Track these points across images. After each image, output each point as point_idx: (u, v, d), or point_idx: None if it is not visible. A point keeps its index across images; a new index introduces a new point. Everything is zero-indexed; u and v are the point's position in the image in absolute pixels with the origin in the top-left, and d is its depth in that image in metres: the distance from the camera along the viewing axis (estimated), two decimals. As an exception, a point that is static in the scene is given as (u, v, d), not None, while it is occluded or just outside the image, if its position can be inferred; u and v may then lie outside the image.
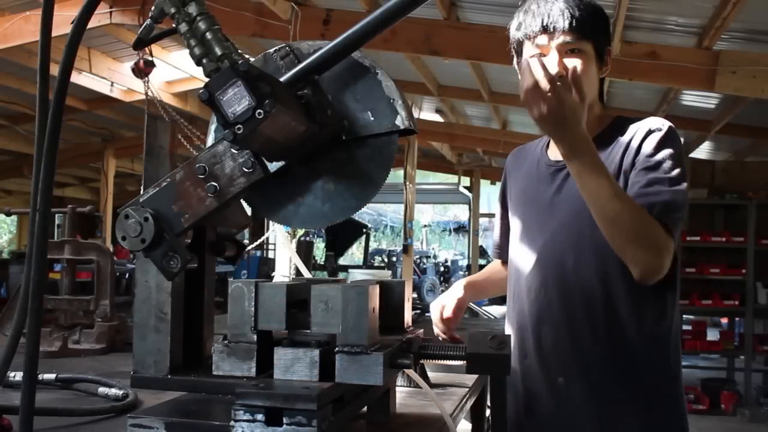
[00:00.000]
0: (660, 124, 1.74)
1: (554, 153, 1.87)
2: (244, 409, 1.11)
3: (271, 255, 12.73)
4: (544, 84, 1.51)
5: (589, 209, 1.62)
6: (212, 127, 1.42)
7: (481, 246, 15.20)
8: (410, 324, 1.53)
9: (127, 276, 9.20)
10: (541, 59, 1.58)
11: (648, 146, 1.70)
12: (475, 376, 2.03)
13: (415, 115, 7.95)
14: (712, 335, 8.78)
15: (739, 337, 8.36)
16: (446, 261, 19.19)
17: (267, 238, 10.87)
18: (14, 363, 1.19)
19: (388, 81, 1.33)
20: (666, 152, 1.68)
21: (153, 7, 1.29)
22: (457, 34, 5.73)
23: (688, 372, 9.13)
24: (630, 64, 5.44)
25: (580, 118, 1.56)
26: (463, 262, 17.94)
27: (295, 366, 1.20)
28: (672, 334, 1.77)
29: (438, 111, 9.99)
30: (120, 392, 1.70)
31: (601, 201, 1.59)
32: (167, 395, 1.40)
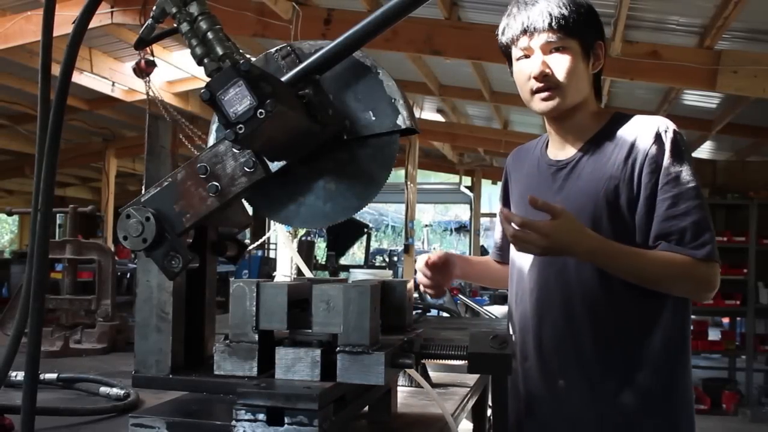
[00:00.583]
0: (665, 125, 1.73)
1: (554, 152, 1.88)
2: (246, 408, 1.11)
3: (272, 255, 12.73)
4: (516, 234, 1.61)
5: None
6: (214, 126, 1.42)
7: (482, 246, 15.18)
8: (411, 324, 1.53)
9: (128, 276, 9.19)
10: (505, 211, 1.69)
11: (662, 155, 1.70)
12: (477, 376, 2.03)
13: (417, 114, 7.96)
14: (714, 335, 8.77)
15: (740, 336, 8.34)
16: (447, 261, 19.12)
17: (268, 238, 10.87)
18: (16, 362, 1.20)
19: (389, 81, 1.33)
20: (681, 160, 1.70)
21: (154, 7, 1.29)
22: (458, 33, 5.73)
23: (689, 372, 9.11)
24: (631, 64, 5.44)
25: (569, 228, 1.61)
26: (464, 262, 17.89)
27: (296, 366, 1.20)
28: (676, 337, 1.76)
29: (439, 111, 9.99)
30: (121, 392, 1.70)
31: (637, 273, 1.68)
32: (169, 395, 1.40)
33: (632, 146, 1.72)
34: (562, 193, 1.79)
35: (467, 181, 15.15)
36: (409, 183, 10.09)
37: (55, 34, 1.21)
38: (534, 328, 1.81)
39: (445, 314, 4.11)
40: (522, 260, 1.88)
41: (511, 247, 1.97)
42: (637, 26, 5.34)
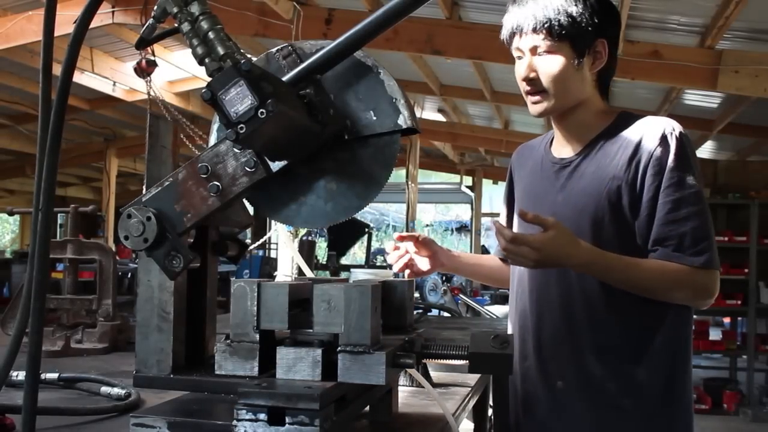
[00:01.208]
0: (671, 126, 1.71)
1: (558, 150, 1.86)
2: (247, 408, 1.11)
3: (273, 254, 12.72)
4: (508, 248, 1.60)
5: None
6: (215, 126, 1.42)
7: (483, 245, 15.17)
8: (412, 323, 1.53)
9: (129, 275, 9.19)
10: (498, 224, 1.68)
11: (666, 156, 1.67)
12: (478, 376, 2.03)
13: (418, 114, 7.96)
14: (715, 335, 8.77)
15: (741, 336, 8.34)
16: (448, 260, 19.13)
17: (269, 238, 10.86)
18: (17, 362, 1.20)
19: (390, 80, 1.33)
20: (686, 164, 1.68)
21: (155, 7, 1.29)
22: (459, 33, 5.72)
23: (690, 372, 9.11)
24: (632, 64, 5.42)
25: (561, 242, 1.60)
26: (465, 262, 17.90)
27: (297, 365, 1.20)
28: (676, 339, 1.75)
29: (440, 110, 9.98)
30: (122, 392, 1.70)
31: (632, 283, 1.67)
32: (170, 395, 1.40)
33: (637, 147, 1.70)
34: (564, 192, 1.78)
35: (468, 181, 15.14)
36: (410, 183, 10.08)
37: (56, 33, 1.21)
38: (533, 328, 1.81)
39: (446, 314, 4.12)
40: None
41: None
42: (638, 26, 5.33)
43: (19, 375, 1.70)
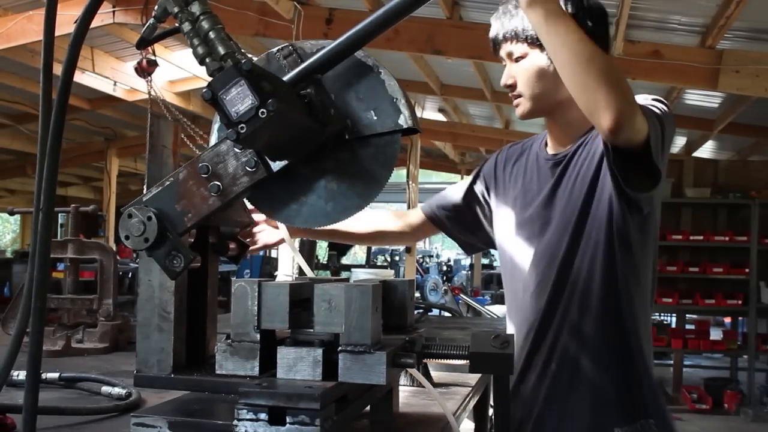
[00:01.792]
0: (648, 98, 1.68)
1: (552, 147, 1.89)
2: (247, 408, 1.11)
3: (273, 254, 12.74)
4: None
5: (555, 58, 1.53)
6: (215, 126, 1.42)
7: (484, 245, 15.17)
8: (413, 323, 1.53)
9: (130, 275, 9.20)
10: None
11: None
12: (478, 376, 2.03)
13: (418, 114, 7.95)
14: (716, 335, 8.77)
15: (742, 336, 8.35)
16: (449, 260, 19.15)
17: (270, 238, 10.86)
18: (18, 362, 1.20)
19: (391, 80, 1.33)
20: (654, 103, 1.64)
21: (156, 7, 1.29)
22: (460, 33, 5.73)
23: (691, 371, 9.14)
24: (633, 64, 5.43)
25: None
26: (466, 261, 17.90)
27: (298, 365, 1.20)
28: (637, 332, 1.75)
29: (441, 110, 9.98)
30: (123, 391, 1.70)
31: (571, 43, 1.49)
32: (170, 394, 1.40)
33: None
34: (560, 187, 1.81)
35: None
36: (410, 182, 10.08)
37: (57, 33, 1.21)
38: (533, 325, 1.81)
39: (446, 314, 4.12)
40: (520, 259, 1.88)
41: (506, 247, 1.95)
42: (638, 26, 5.33)
43: (19, 375, 1.70)
